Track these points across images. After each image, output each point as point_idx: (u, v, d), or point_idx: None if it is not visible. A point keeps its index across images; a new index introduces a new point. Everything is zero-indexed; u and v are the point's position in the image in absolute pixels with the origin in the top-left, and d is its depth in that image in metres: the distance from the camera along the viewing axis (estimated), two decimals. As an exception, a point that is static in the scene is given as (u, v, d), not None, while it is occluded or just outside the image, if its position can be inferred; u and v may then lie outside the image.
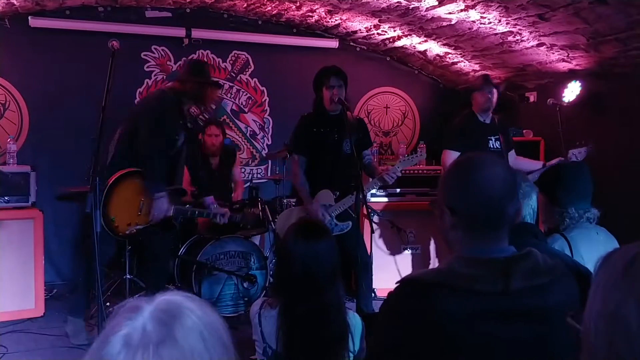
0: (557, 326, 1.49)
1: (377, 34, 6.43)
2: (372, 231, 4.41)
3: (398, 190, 5.94)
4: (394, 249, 5.90)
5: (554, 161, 5.05)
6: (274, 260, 5.44)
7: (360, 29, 6.43)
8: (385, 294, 1.65)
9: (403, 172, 5.29)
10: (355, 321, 2.50)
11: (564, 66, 5.59)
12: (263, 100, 6.92)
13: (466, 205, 1.57)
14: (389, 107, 7.39)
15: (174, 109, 4.43)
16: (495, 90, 5.08)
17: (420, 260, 5.92)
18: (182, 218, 4.96)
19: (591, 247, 2.68)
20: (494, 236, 1.58)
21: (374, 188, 5.31)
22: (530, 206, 2.63)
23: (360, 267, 4.50)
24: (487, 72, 5.57)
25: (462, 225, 1.58)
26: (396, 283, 1.60)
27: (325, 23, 6.46)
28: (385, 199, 5.94)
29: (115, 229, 4.24)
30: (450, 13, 5.15)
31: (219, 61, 6.70)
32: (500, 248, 1.58)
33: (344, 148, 4.61)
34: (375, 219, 5.62)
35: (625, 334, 1.01)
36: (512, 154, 5.21)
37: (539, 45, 5.30)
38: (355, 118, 4.83)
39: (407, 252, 5.92)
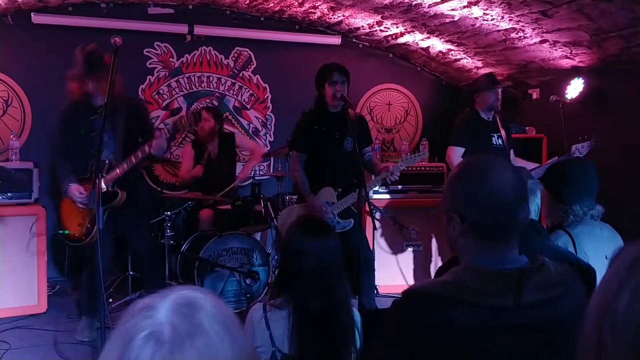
0: (569, 336, 1.44)
1: (380, 30, 6.42)
2: (375, 228, 4.42)
3: (400, 187, 5.93)
4: (396, 246, 5.89)
5: (548, 162, 5.07)
6: (277, 257, 5.44)
7: (362, 26, 6.42)
8: (388, 291, 1.63)
9: (406, 168, 5.30)
10: (357, 318, 2.48)
11: (567, 63, 5.58)
12: (265, 97, 6.91)
13: (476, 212, 1.52)
14: (392, 104, 7.39)
15: (73, 117, 4.35)
16: (501, 88, 5.13)
17: (422, 257, 5.91)
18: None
19: (595, 244, 2.68)
20: (504, 244, 1.54)
21: (376, 186, 5.31)
22: (535, 203, 2.63)
23: (362, 263, 4.50)
24: (491, 71, 5.57)
25: (472, 232, 1.54)
26: (401, 293, 1.56)
27: (327, 20, 6.45)
28: (388, 196, 5.93)
29: (72, 239, 4.34)
30: (453, 9, 5.14)
31: (221, 58, 6.69)
32: (512, 257, 1.54)
33: (345, 145, 4.61)
34: (377, 215, 5.62)
35: (611, 323, 1.01)
36: (511, 153, 5.22)
37: (541, 42, 5.29)
38: (356, 115, 4.79)
39: (409, 249, 5.92)
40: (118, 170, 4.17)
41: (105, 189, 4.08)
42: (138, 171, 4.67)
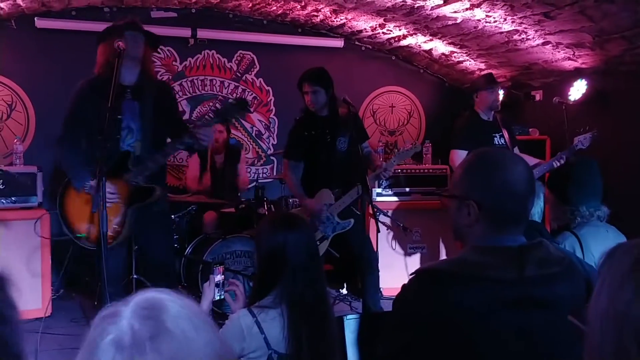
0: (565, 316, 1.51)
1: (383, 33, 6.42)
2: (378, 230, 4.42)
3: (405, 189, 5.94)
4: (401, 248, 5.90)
5: (553, 158, 5.08)
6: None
7: (365, 28, 6.42)
8: (392, 294, 1.66)
9: (409, 171, 5.29)
10: None
11: (569, 64, 5.57)
12: (268, 100, 6.92)
13: (494, 199, 1.59)
14: (395, 106, 7.38)
15: (93, 95, 3.70)
16: (499, 88, 5.15)
17: (427, 258, 5.91)
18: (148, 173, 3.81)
19: (602, 245, 2.67)
20: (514, 230, 1.62)
21: (372, 184, 5.30)
22: (539, 205, 2.63)
23: (366, 265, 4.51)
24: (490, 71, 5.61)
25: (486, 219, 1.60)
26: (410, 275, 1.62)
27: (330, 22, 6.46)
28: (391, 198, 5.93)
29: (91, 243, 3.70)
30: (455, 12, 5.14)
31: (224, 61, 6.70)
32: (515, 238, 1.62)
33: (338, 146, 4.62)
34: (381, 218, 5.62)
35: (635, 333, 1.00)
36: (515, 150, 5.22)
37: (544, 43, 5.29)
38: (348, 114, 4.62)
39: (414, 252, 5.92)
40: (150, 163, 3.71)
41: (136, 184, 3.70)
42: (164, 166, 4.11)
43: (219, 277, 2.58)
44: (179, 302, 1.02)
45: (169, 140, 3.99)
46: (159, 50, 6.35)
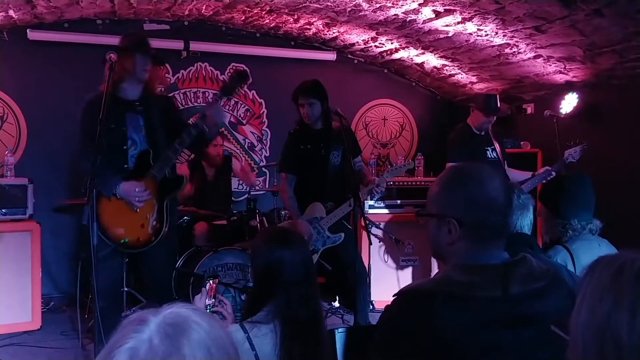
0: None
1: (375, 46, 6.45)
2: (370, 243, 4.41)
3: (397, 202, 5.94)
4: (393, 261, 5.89)
5: (541, 171, 5.13)
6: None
7: (357, 42, 6.45)
8: (384, 307, 1.63)
9: (402, 184, 5.27)
10: None
11: (560, 78, 5.61)
12: (261, 112, 6.93)
13: (476, 215, 1.57)
14: (387, 119, 7.41)
15: (100, 110, 3.57)
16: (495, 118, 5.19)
17: (420, 271, 5.91)
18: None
19: (593, 259, 2.68)
20: (497, 244, 1.60)
21: (365, 199, 5.30)
22: (528, 218, 2.62)
23: (356, 279, 4.49)
24: (494, 93, 5.54)
25: (469, 235, 1.58)
26: (393, 296, 1.59)
27: (323, 36, 6.48)
28: (383, 211, 5.93)
29: (133, 246, 3.77)
30: (447, 25, 5.17)
31: (217, 73, 6.71)
32: (498, 254, 1.60)
33: (331, 161, 4.61)
34: (374, 230, 5.62)
35: (615, 345, 1.01)
36: (505, 165, 5.27)
37: (535, 57, 5.32)
38: (342, 127, 4.55)
39: (406, 264, 5.91)
40: (170, 153, 3.77)
41: (163, 177, 3.77)
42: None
43: (209, 301, 2.57)
44: (206, 327, 1.01)
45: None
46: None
